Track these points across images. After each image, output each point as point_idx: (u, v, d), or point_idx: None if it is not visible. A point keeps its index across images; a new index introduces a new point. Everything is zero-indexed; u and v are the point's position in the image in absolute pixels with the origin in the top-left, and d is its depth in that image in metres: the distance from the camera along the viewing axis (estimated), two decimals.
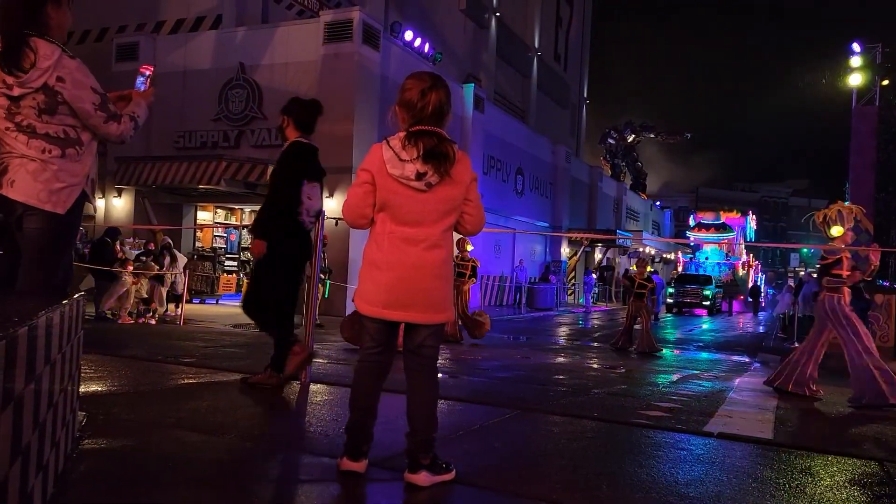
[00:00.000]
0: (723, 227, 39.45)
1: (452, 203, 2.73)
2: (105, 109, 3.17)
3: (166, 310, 12.58)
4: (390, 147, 2.70)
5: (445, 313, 2.76)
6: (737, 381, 7.88)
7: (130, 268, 11.65)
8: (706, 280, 30.12)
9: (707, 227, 39.32)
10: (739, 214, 42.75)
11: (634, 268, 12.48)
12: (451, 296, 2.82)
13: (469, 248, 11.11)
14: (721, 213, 41.84)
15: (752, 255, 40.65)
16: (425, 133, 2.69)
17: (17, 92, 2.93)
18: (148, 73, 3.71)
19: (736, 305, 33.99)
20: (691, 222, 42.85)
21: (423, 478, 2.70)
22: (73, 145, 3.10)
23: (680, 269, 36.29)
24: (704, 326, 19.15)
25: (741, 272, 37.48)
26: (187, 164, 15.56)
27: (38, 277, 3.04)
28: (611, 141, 46.81)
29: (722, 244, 37.79)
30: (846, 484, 3.31)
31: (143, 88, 3.59)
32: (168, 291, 12.61)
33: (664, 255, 43.79)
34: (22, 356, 1.53)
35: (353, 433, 2.80)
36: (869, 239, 16.63)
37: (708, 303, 28.42)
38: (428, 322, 2.73)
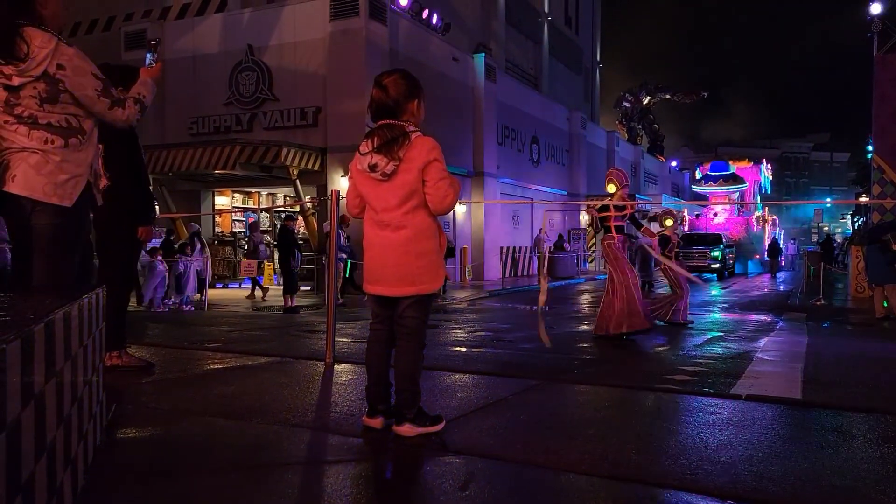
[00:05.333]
0: (733, 179, 35.01)
1: (409, 187, 2.99)
2: (108, 95, 3.13)
3: (196, 296, 12.75)
4: (359, 148, 3.09)
5: (417, 286, 3.03)
6: (762, 341, 7.80)
7: (160, 256, 11.80)
8: (715, 239, 26.18)
9: (715, 180, 34.80)
10: (751, 164, 37.81)
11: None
12: (430, 270, 3.05)
13: None
14: (731, 162, 36.86)
15: (767, 208, 36.40)
16: (379, 127, 3.04)
17: (16, 81, 2.90)
18: (154, 43, 3.66)
19: (751, 266, 30.84)
20: (697, 175, 37.38)
21: (406, 429, 3.03)
22: (76, 135, 3.07)
23: (686, 227, 31.05)
24: (713, 293, 18.27)
25: (756, 228, 33.34)
26: (202, 149, 15.58)
27: (52, 273, 3.02)
28: (626, 104, 46.05)
29: (732, 198, 34.34)
30: (879, 441, 3.26)
31: (151, 65, 3.54)
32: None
33: (683, 217, 42.74)
34: (40, 353, 1.52)
35: (369, 395, 3.20)
36: (894, 190, 16.30)
37: (717, 265, 24.81)
38: (400, 295, 3.05)
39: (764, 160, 40.70)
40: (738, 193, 35.51)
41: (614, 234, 7.63)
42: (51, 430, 1.64)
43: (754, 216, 34.36)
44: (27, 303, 1.98)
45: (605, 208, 7.71)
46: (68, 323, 1.90)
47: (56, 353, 1.72)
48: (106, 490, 2.31)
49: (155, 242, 12.10)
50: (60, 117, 3.01)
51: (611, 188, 7.82)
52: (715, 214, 34.15)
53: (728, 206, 34.40)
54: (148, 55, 3.68)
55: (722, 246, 25.77)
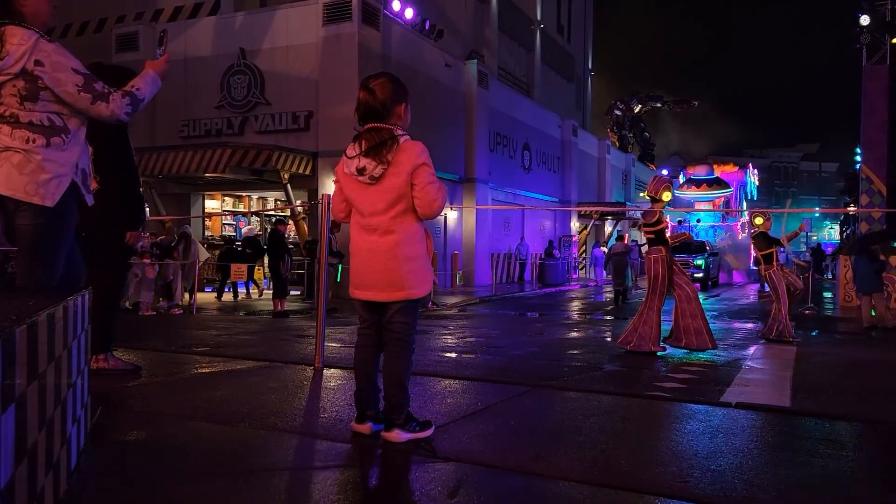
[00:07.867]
0: (717, 183, 33.89)
1: (398, 191, 2.96)
2: (90, 90, 3.06)
3: (178, 300, 12.64)
4: (345, 151, 3.07)
5: (405, 291, 3.01)
6: (752, 349, 7.83)
7: (147, 260, 11.69)
8: (698, 247, 24.36)
9: (698, 184, 33.60)
10: (737, 168, 36.65)
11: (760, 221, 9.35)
12: (418, 274, 3.03)
13: None
14: (714, 166, 35.95)
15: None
16: (367, 130, 3.02)
17: None
18: (162, 34, 3.61)
19: (737, 275, 29.72)
20: (680, 179, 35.62)
21: (395, 435, 3.01)
22: (59, 133, 3.03)
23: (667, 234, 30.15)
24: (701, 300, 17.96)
25: (741, 236, 31.64)
26: (192, 152, 15.52)
27: (36, 274, 2.99)
28: (617, 112, 46.27)
29: (716, 203, 33.50)
30: (868, 449, 3.27)
31: (159, 57, 3.49)
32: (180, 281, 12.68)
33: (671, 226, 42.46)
34: (22, 355, 1.49)
35: (357, 400, 3.18)
36: (882, 200, 16.44)
37: (701, 274, 23.10)
38: (388, 300, 3.03)
39: (749, 165, 40.04)
40: (723, 199, 35.00)
41: (661, 248, 7.06)
42: (32, 433, 1.61)
43: (739, 223, 33.86)
44: (10, 303, 1.95)
45: (660, 220, 7.10)
46: (52, 325, 1.87)
47: (39, 355, 1.69)
48: (89, 495, 2.27)
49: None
50: (42, 115, 2.97)
51: (666, 196, 7.17)
52: (698, 221, 33.53)
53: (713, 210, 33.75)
54: (158, 49, 3.59)
55: (706, 254, 24.47)
